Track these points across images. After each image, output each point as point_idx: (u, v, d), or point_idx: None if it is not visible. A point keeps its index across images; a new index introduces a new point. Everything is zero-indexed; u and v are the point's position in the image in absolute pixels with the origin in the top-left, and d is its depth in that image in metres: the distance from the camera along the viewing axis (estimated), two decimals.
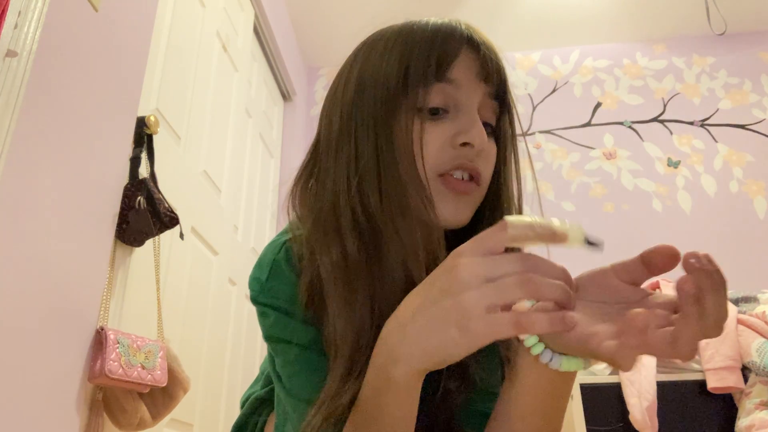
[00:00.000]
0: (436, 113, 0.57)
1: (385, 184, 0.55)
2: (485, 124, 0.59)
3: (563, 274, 0.41)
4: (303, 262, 0.59)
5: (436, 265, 0.44)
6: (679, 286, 0.35)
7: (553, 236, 0.40)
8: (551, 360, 0.44)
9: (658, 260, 0.39)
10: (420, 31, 0.58)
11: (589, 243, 0.41)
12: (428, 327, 0.42)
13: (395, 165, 0.55)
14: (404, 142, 0.55)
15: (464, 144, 0.57)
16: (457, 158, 0.57)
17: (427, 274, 0.46)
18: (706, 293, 0.34)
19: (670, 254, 0.38)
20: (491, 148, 0.60)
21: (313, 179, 0.62)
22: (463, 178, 0.57)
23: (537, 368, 0.47)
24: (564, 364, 0.44)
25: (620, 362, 0.37)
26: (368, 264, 0.56)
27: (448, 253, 0.44)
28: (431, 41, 0.57)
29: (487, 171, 0.59)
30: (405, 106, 0.56)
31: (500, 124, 0.62)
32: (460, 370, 0.58)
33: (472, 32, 0.59)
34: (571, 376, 0.49)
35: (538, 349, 0.44)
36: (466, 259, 0.41)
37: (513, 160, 0.63)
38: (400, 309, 0.46)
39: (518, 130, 0.64)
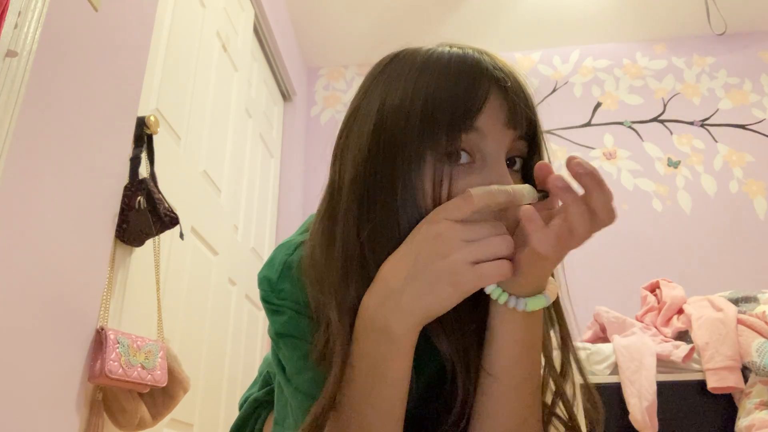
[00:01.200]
0: (458, 160, 0.53)
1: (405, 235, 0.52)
2: (515, 158, 0.56)
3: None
4: (311, 309, 0.58)
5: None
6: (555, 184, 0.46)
7: (511, 199, 0.48)
8: (517, 303, 0.50)
9: (541, 179, 0.49)
10: (442, 70, 0.54)
11: (541, 196, 0.49)
12: (424, 289, 0.48)
13: (415, 216, 0.52)
14: (426, 193, 0.52)
15: None
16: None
17: None
18: (592, 191, 0.45)
19: (545, 171, 0.49)
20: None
21: (327, 218, 0.58)
22: None
23: (508, 318, 0.52)
24: (529, 304, 0.50)
25: (540, 250, 0.46)
26: None
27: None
28: (456, 85, 0.53)
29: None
30: (427, 155, 0.52)
31: (529, 163, 0.58)
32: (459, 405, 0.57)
33: (498, 72, 0.54)
34: (538, 323, 0.54)
35: (503, 297, 0.50)
36: (446, 225, 0.47)
37: None
38: (386, 277, 0.50)
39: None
